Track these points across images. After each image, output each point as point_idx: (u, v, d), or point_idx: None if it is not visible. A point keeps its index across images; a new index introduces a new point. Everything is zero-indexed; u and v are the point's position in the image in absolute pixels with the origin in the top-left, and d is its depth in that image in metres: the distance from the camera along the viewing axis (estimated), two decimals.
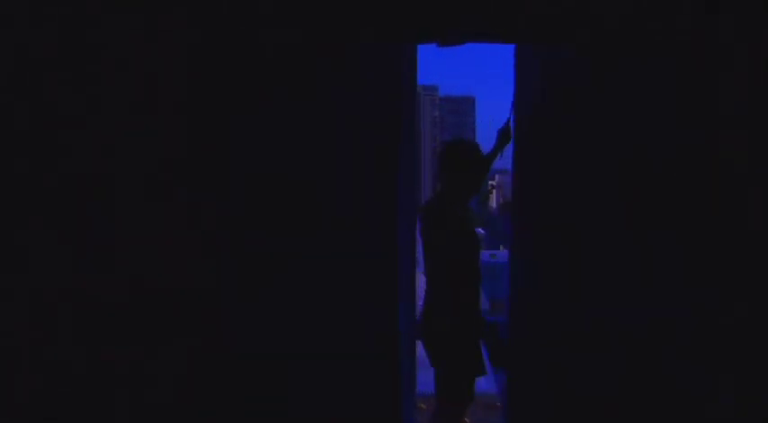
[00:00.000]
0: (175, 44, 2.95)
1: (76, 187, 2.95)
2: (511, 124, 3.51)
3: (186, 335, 3.03)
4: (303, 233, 3.05)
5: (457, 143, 3.61)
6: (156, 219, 2.98)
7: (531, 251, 3.31)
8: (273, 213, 3.04)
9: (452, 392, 3.57)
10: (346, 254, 3.11)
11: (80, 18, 2.92)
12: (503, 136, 3.61)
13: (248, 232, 3.03)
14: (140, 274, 2.98)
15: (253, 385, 3.07)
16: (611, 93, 3.08)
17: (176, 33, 2.95)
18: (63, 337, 3.00)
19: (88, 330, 3.00)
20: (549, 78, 3.25)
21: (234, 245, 3.03)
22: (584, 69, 3.14)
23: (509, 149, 3.58)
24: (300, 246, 3.06)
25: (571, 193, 3.17)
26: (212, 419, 3.06)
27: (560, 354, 3.16)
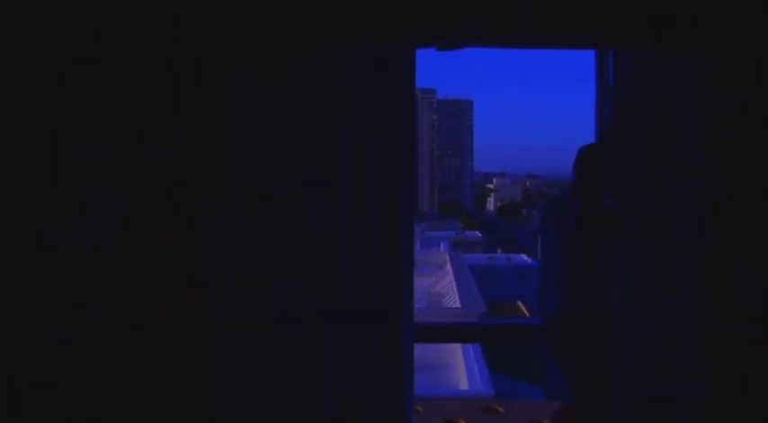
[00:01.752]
0: (176, 43, 2.94)
1: (74, 187, 2.95)
2: None
3: (184, 341, 3.02)
4: (303, 234, 3.05)
5: (590, 147, 3.66)
6: (156, 222, 2.98)
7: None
8: (272, 215, 3.03)
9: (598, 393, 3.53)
10: (348, 255, 3.10)
11: (81, 18, 2.92)
12: None
13: (248, 234, 3.03)
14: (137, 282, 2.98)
15: (256, 386, 3.07)
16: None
17: (177, 32, 2.94)
18: (58, 337, 2.99)
19: (82, 334, 2.99)
20: (651, 82, 3.23)
21: (233, 248, 3.02)
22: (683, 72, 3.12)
23: None
24: (301, 246, 3.05)
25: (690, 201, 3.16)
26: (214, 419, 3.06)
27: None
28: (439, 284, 22.70)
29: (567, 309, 3.52)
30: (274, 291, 3.04)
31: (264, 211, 3.02)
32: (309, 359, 3.08)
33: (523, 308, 28.34)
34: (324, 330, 3.08)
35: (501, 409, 4.66)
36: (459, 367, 12.10)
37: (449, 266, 24.83)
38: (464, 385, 11.12)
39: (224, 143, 2.99)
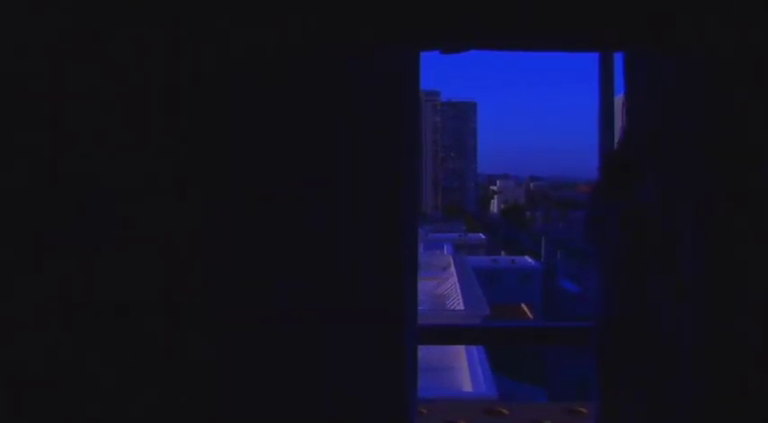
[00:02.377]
0: (175, 43, 2.94)
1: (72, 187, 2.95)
2: None
3: (184, 340, 3.02)
4: (303, 234, 3.04)
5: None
6: (156, 221, 2.97)
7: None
8: (271, 215, 3.03)
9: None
10: (348, 256, 3.10)
11: (81, 19, 2.92)
12: None
13: (247, 234, 3.02)
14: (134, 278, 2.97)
15: (255, 387, 3.06)
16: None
17: (177, 32, 2.94)
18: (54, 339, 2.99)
19: (82, 334, 2.99)
20: (652, 83, 3.19)
21: (233, 248, 3.02)
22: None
23: None
24: (300, 246, 3.05)
25: None
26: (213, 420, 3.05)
27: None
28: (442, 286, 22.67)
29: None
30: (274, 291, 3.03)
31: (264, 212, 3.02)
32: (309, 360, 3.07)
33: (527, 310, 28.33)
34: (323, 330, 3.07)
35: (504, 411, 4.65)
36: (462, 369, 12.10)
37: (452, 268, 24.80)
38: (467, 387, 11.13)
39: (224, 143, 2.99)
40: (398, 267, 3.21)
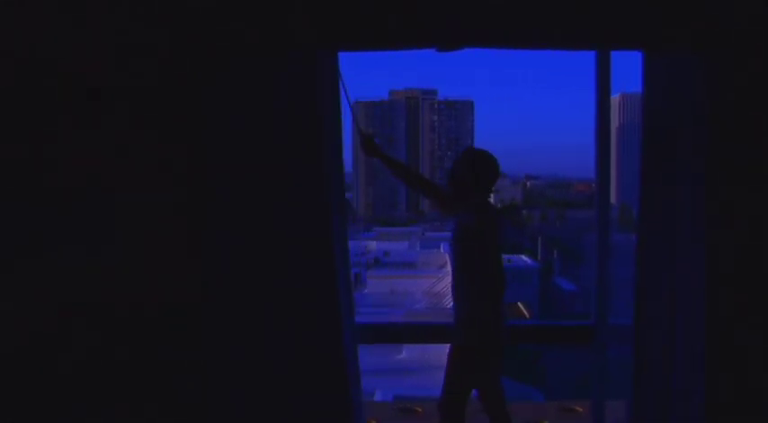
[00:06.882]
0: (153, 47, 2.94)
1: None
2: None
3: (181, 338, 3.02)
4: (233, 236, 3.03)
5: (483, 151, 3.78)
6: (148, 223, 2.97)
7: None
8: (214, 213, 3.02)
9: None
10: (278, 257, 3.08)
11: (81, 20, 2.91)
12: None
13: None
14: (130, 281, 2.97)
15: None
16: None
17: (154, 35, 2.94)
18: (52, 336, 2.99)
19: (82, 333, 2.99)
20: (678, 86, 3.19)
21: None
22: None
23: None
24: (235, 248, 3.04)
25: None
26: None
27: None
28: (439, 285, 22.59)
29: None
30: (210, 290, 3.02)
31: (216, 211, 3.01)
32: (247, 363, 3.04)
33: (524, 308, 28.30)
34: (260, 331, 3.05)
35: None
36: None
37: (449, 267, 24.71)
38: None
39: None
40: (330, 269, 3.17)
